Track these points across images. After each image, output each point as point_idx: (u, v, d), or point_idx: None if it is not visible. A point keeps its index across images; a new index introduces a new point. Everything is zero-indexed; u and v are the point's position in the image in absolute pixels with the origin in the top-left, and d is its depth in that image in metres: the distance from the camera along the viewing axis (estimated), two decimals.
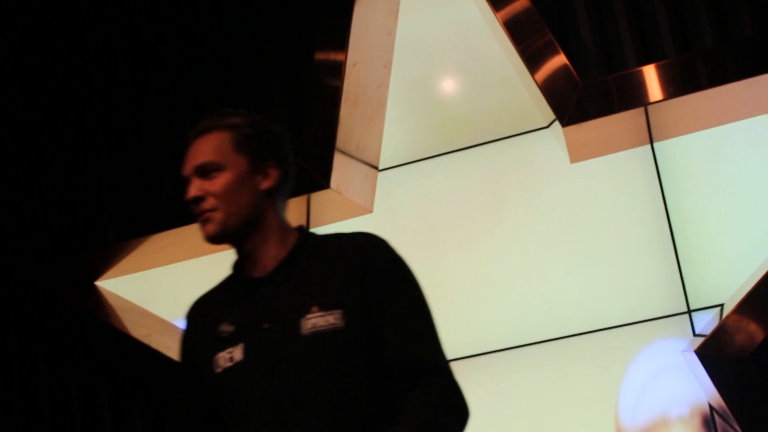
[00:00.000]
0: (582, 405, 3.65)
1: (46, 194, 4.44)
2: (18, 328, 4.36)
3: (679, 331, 3.57)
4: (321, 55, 3.82)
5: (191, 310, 2.14)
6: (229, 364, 1.97)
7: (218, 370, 1.98)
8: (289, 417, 1.91)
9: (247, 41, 4.26)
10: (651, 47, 3.68)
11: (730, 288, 3.50)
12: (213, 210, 1.99)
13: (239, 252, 2.07)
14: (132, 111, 4.40)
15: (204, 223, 2.01)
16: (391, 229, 3.85)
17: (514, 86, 3.83)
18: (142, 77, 4.42)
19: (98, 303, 4.21)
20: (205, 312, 2.10)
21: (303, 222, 3.82)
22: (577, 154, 3.70)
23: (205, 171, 2.02)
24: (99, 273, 4.24)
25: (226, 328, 2.00)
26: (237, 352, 1.97)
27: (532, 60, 3.53)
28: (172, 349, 4.01)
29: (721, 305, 3.53)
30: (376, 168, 4.01)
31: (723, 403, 3.23)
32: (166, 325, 4.19)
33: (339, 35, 3.78)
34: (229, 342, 1.98)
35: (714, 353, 3.25)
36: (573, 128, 3.48)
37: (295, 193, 2.42)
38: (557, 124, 3.53)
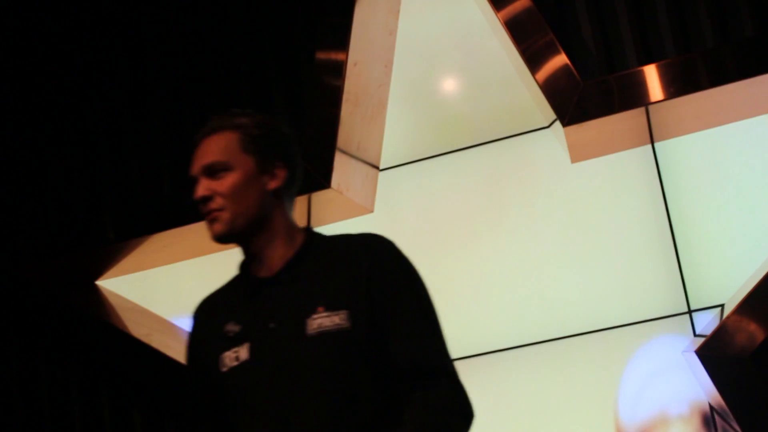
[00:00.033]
0: (582, 405, 3.65)
1: (46, 194, 4.44)
2: (18, 327, 4.37)
3: (679, 331, 3.57)
4: (322, 55, 3.82)
5: (198, 309, 2.14)
6: (235, 363, 1.98)
7: (224, 369, 1.99)
8: (294, 416, 1.91)
9: (247, 41, 4.26)
10: (652, 47, 3.68)
11: (731, 288, 3.50)
12: (220, 210, 2.00)
13: (246, 252, 2.07)
14: (132, 111, 4.41)
15: (211, 222, 2.02)
16: (391, 228, 3.84)
17: (515, 86, 3.83)
18: (143, 77, 4.42)
19: (99, 302, 4.21)
20: (211, 311, 2.10)
21: (303, 221, 3.82)
22: (577, 154, 3.70)
23: (213, 171, 2.03)
24: (99, 272, 4.24)
25: (233, 327, 2.01)
26: (243, 352, 1.97)
27: (532, 60, 3.53)
28: (172, 349, 4.01)
29: (722, 305, 3.53)
30: (376, 168, 4.01)
31: (723, 404, 3.23)
32: (166, 325, 4.19)
33: (340, 35, 3.78)
34: (235, 341, 1.99)
35: (714, 354, 3.24)
36: (574, 128, 3.48)
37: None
38: (558, 123, 3.53)
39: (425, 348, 1.96)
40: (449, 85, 4.02)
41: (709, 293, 3.56)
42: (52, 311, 4.24)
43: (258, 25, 4.26)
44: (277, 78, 4.18)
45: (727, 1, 3.63)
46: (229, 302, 2.07)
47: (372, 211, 3.96)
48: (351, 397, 1.92)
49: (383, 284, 1.97)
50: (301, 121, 3.89)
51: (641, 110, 3.45)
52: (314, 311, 1.95)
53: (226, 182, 2.01)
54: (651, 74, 3.43)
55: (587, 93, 3.47)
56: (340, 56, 3.77)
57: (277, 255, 2.03)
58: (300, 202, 3.72)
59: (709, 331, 3.31)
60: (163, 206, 4.10)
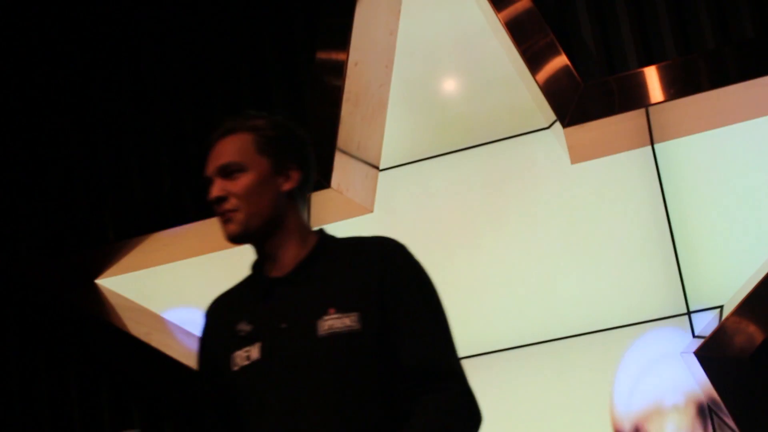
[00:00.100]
0: (581, 405, 3.65)
1: (46, 193, 4.44)
2: (18, 326, 4.37)
3: (678, 332, 3.57)
4: (322, 55, 3.82)
5: (210, 308, 2.16)
6: (246, 362, 1.99)
7: (235, 368, 2.00)
8: (303, 416, 1.92)
9: (248, 40, 4.26)
10: (652, 48, 3.68)
11: (730, 289, 3.50)
12: (235, 210, 2.02)
13: (259, 252, 2.09)
14: (132, 110, 4.41)
15: (226, 223, 2.03)
16: (391, 228, 3.85)
17: (515, 87, 3.83)
18: (143, 77, 4.42)
19: (98, 301, 4.21)
20: (223, 310, 2.12)
21: None
22: (577, 155, 3.70)
23: (228, 171, 2.04)
24: (99, 271, 4.24)
25: (244, 327, 2.02)
26: (254, 351, 1.98)
27: (533, 60, 3.53)
28: (172, 348, 4.02)
29: (721, 307, 3.53)
30: (376, 168, 4.02)
31: (722, 405, 3.23)
32: (166, 324, 4.20)
33: (340, 35, 3.79)
34: (246, 341, 2.00)
35: (713, 355, 3.24)
36: (574, 129, 3.48)
37: None
38: (558, 124, 3.53)
39: (435, 351, 1.97)
40: (450, 85, 4.03)
41: (708, 294, 3.56)
42: (51, 310, 4.24)
43: (258, 25, 4.26)
44: (277, 77, 4.19)
45: (727, 2, 3.63)
46: (241, 302, 2.09)
47: (372, 211, 3.97)
48: (360, 398, 1.93)
49: (394, 287, 1.98)
50: (302, 121, 3.89)
51: (641, 111, 3.45)
52: (325, 312, 1.96)
53: (241, 183, 2.02)
54: (651, 75, 3.44)
55: (587, 94, 3.48)
56: (341, 56, 3.77)
57: (290, 256, 2.05)
58: None
59: (708, 333, 3.31)
60: (163, 205, 4.11)
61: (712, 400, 3.38)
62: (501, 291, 3.80)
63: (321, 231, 2.12)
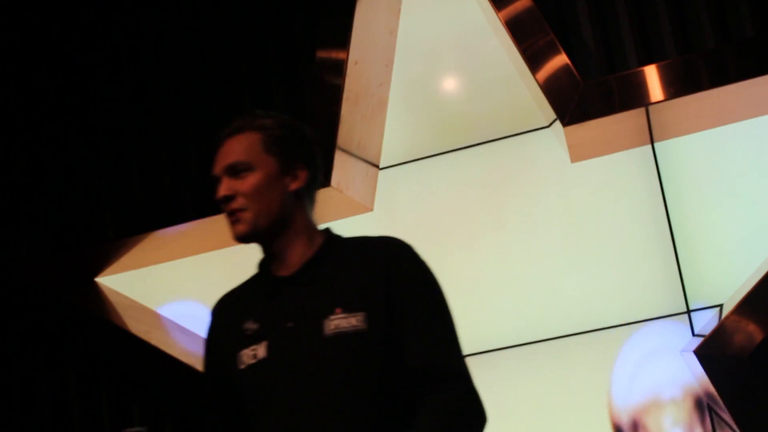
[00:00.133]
0: (580, 404, 3.65)
1: (46, 192, 4.44)
2: (18, 324, 4.37)
3: (678, 330, 3.57)
4: (322, 54, 3.83)
5: (216, 306, 2.16)
6: (253, 361, 1.99)
7: (242, 366, 2.01)
8: (309, 415, 1.92)
9: (248, 39, 4.27)
10: (652, 47, 3.68)
11: (730, 288, 3.51)
12: (243, 210, 2.03)
13: (266, 251, 2.10)
14: (132, 109, 4.41)
15: (234, 223, 2.04)
16: (391, 227, 3.85)
17: (516, 85, 3.84)
18: (143, 75, 4.42)
19: (98, 299, 4.21)
20: (230, 309, 2.12)
21: None
22: (577, 154, 3.71)
23: (236, 171, 2.05)
24: (99, 270, 4.24)
25: (251, 325, 2.02)
26: (261, 350, 1.99)
27: (533, 59, 3.54)
28: (171, 346, 4.02)
29: (721, 305, 3.53)
30: (376, 166, 4.02)
31: (721, 403, 3.23)
32: (165, 322, 4.20)
33: (341, 34, 3.79)
34: (253, 339, 2.01)
35: (713, 353, 3.25)
36: (574, 128, 3.49)
37: None
38: (558, 123, 3.53)
39: (440, 351, 1.98)
40: (449, 84, 4.03)
41: (707, 293, 3.57)
42: (51, 308, 4.24)
43: (259, 24, 4.26)
44: (277, 76, 4.19)
45: (727, 1, 3.64)
46: (248, 300, 2.09)
47: (371, 210, 3.97)
48: (366, 398, 1.93)
49: (401, 287, 1.98)
50: (302, 119, 3.89)
51: (641, 110, 3.46)
52: (332, 312, 1.96)
53: (248, 182, 2.03)
54: (651, 74, 3.44)
55: (587, 93, 3.48)
56: (341, 55, 3.77)
57: (297, 255, 2.05)
58: None
59: (707, 331, 3.32)
60: (163, 204, 4.11)
61: (712, 399, 3.38)
62: (501, 289, 3.80)
63: (327, 230, 2.12)
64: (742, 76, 3.33)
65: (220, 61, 4.29)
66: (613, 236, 3.70)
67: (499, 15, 3.59)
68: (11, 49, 4.62)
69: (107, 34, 4.51)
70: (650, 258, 3.64)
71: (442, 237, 3.90)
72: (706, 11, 3.66)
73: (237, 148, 2.06)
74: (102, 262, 4.19)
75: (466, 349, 3.78)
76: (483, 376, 3.68)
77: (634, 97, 3.43)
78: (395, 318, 1.97)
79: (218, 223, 3.92)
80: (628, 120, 3.51)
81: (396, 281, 1.98)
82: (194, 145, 4.27)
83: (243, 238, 2.05)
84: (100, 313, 4.13)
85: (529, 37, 3.56)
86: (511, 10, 3.59)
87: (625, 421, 3.61)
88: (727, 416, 3.27)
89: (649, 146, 3.68)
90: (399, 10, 4.00)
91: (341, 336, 1.94)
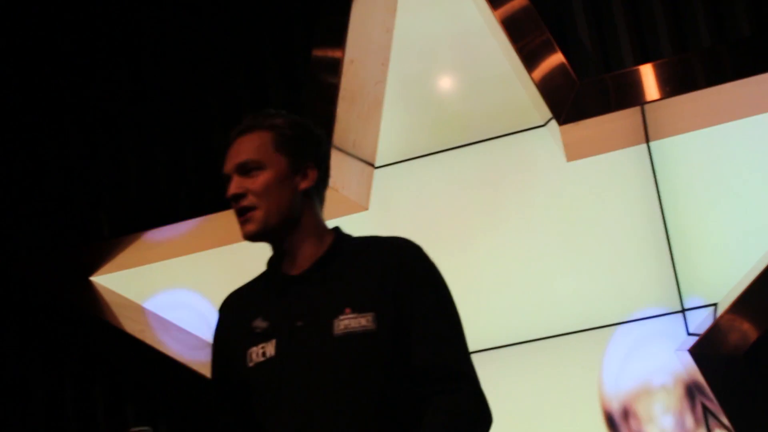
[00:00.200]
0: (574, 403, 3.66)
1: (41, 190, 4.44)
2: (13, 323, 4.36)
3: (673, 329, 3.58)
4: (319, 52, 3.83)
5: (224, 304, 2.17)
6: (262, 359, 2.00)
7: (251, 364, 2.01)
8: (317, 415, 1.93)
9: (245, 38, 4.27)
10: (648, 46, 3.69)
11: (725, 287, 3.51)
12: (253, 208, 2.03)
13: (275, 249, 2.10)
14: (129, 107, 4.41)
15: (244, 222, 2.05)
16: (386, 226, 3.85)
17: (512, 84, 3.84)
18: (139, 74, 4.42)
19: (93, 298, 4.21)
20: (238, 306, 2.13)
21: None
22: (573, 153, 3.71)
23: (246, 169, 2.05)
24: (94, 269, 4.24)
25: (260, 323, 2.03)
26: (270, 348, 1.99)
27: (529, 58, 3.54)
28: (166, 345, 4.02)
29: (715, 304, 3.54)
30: (372, 165, 4.02)
31: (716, 402, 3.24)
32: (160, 321, 4.19)
33: (337, 32, 3.79)
34: (262, 337, 2.01)
35: (707, 352, 3.25)
36: (569, 127, 3.49)
37: None
38: (554, 122, 3.54)
39: (447, 352, 1.98)
40: (446, 83, 4.03)
41: (702, 292, 3.57)
42: (46, 307, 4.24)
43: (256, 23, 4.26)
44: (274, 75, 4.19)
45: (723, 1, 3.64)
46: (257, 298, 2.10)
47: (367, 209, 3.97)
48: (374, 398, 1.93)
49: (409, 288, 1.99)
50: None
51: (637, 109, 3.46)
52: (341, 312, 1.97)
53: (259, 181, 2.04)
54: (647, 74, 3.45)
55: (583, 92, 3.48)
56: (337, 54, 3.77)
57: (307, 254, 2.06)
58: None
59: (702, 330, 3.32)
60: (158, 202, 4.11)
61: (706, 397, 3.39)
62: (496, 288, 3.80)
63: (337, 229, 2.12)
64: (738, 75, 3.33)
65: (217, 60, 4.29)
66: (608, 235, 3.70)
67: (495, 14, 3.59)
68: (7, 49, 4.61)
69: (103, 33, 4.50)
70: (645, 256, 3.64)
71: (438, 236, 3.90)
72: (702, 10, 3.67)
73: (248, 146, 2.07)
74: (97, 261, 4.19)
75: None
76: (480, 375, 3.71)
77: (630, 96, 3.44)
78: (403, 318, 1.97)
79: (214, 221, 3.93)
80: (624, 119, 3.52)
81: (405, 282, 1.99)
82: (190, 143, 4.27)
83: (253, 237, 2.05)
84: (95, 312, 4.13)
85: (525, 35, 3.56)
86: (507, 8, 3.59)
87: (618, 419, 3.61)
88: (721, 415, 3.28)
89: (645, 145, 3.69)
90: (395, 9, 4.00)
91: (351, 336, 1.95)
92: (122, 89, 4.42)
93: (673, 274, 3.60)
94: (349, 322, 1.96)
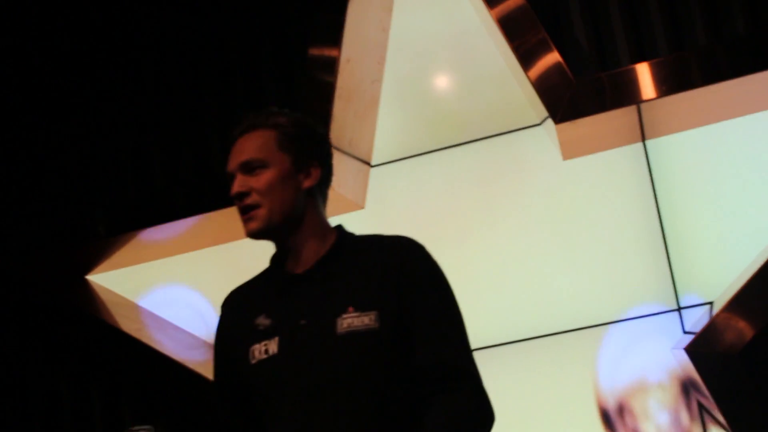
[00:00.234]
0: (571, 402, 3.66)
1: (37, 189, 4.43)
2: (8, 321, 4.35)
3: (669, 328, 3.58)
4: (315, 51, 3.82)
5: (227, 301, 2.17)
6: (264, 356, 2.00)
7: (253, 361, 2.01)
8: (319, 413, 1.93)
9: (241, 37, 4.26)
10: (644, 45, 3.69)
11: (721, 285, 3.51)
12: (256, 207, 2.03)
13: (279, 248, 2.11)
14: (125, 106, 4.40)
15: (247, 220, 2.05)
16: (382, 225, 3.85)
17: (508, 83, 3.84)
18: (135, 72, 4.42)
19: (89, 297, 4.20)
20: (241, 304, 2.13)
21: None
22: (569, 151, 3.71)
23: (250, 168, 2.05)
24: (90, 267, 4.23)
25: (263, 321, 2.03)
26: (272, 346, 2.00)
27: (525, 57, 3.54)
28: (162, 344, 4.02)
29: (711, 303, 3.54)
30: (368, 164, 4.02)
31: (712, 400, 3.24)
32: (156, 320, 4.19)
33: (333, 31, 3.79)
34: (265, 335, 2.01)
35: (703, 351, 3.26)
36: (565, 125, 3.49)
37: None
38: (550, 121, 3.54)
39: (450, 351, 1.99)
40: (442, 82, 4.03)
41: (698, 290, 3.58)
42: (42, 306, 4.23)
43: (252, 21, 4.26)
44: (270, 73, 4.19)
45: None
46: (260, 295, 2.10)
47: (363, 207, 3.97)
48: (377, 397, 1.94)
49: (412, 287, 1.99)
50: None
51: (633, 108, 3.47)
52: (344, 311, 1.97)
53: (263, 179, 2.04)
54: (643, 72, 3.45)
55: (579, 91, 3.49)
56: (333, 53, 3.77)
57: (310, 252, 2.06)
58: None
59: (698, 329, 3.32)
60: (154, 201, 4.10)
61: (702, 396, 3.39)
62: (491, 287, 3.80)
63: (339, 227, 2.13)
64: (734, 73, 3.34)
65: (213, 58, 4.29)
66: (604, 233, 3.71)
67: (492, 12, 3.59)
68: (2, 46, 4.60)
69: (98, 32, 4.50)
70: (641, 255, 3.65)
71: (434, 234, 3.88)
72: (698, 9, 3.67)
73: (251, 145, 2.07)
74: (93, 260, 4.18)
75: None
76: None
77: (626, 94, 3.44)
78: (406, 317, 1.98)
79: (210, 220, 3.92)
80: (620, 117, 3.52)
81: (408, 281, 1.99)
82: (186, 142, 4.26)
83: (256, 235, 2.06)
84: (91, 311, 4.12)
85: (521, 34, 3.56)
86: (503, 7, 3.59)
87: (615, 417, 3.61)
88: (717, 413, 3.28)
89: (641, 144, 3.69)
90: (391, 8, 3.99)
91: (354, 334, 1.95)
92: (118, 88, 4.42)
93: (669, 272, 3.60)
94: (352, 320, 1.96)
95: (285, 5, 4.21)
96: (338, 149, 3.75)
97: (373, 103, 4.00)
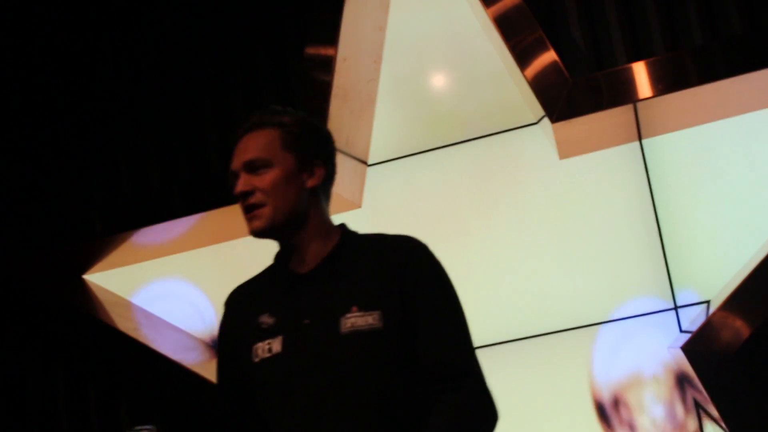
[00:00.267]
0: (567, 401, 3.66)
1: (34, 188, 4.43)
2: (5, 321, 4.35)
3: (665, 327, 3.58)
4: (311, 50, 3.83)
5: (230, 298, 2.18)
6: (268, 355, 2.01)
7: (256, 359, 2.02)
8: (323, 413, 1.94)
9: (238, 35, 4.26)
10: (640, 44, 3.69)
11: (717, 284, 3.52)
12: (261, 206, 2.04)
13: (282, 246, 2.11)
14: (121, 105, 4.40)
15: (251, 219, 2.05)
16: (379, 224, 3.85)
17: (504, 82, 3.84)
18: (131, 72, 4.41)
19: (86, 297, 4.20)
20: (244, 301, 2.14)
21: None
22: (565, 151, 3.72)
23: (254, 167, 2.06)
24: (87, 267, 4.23)
25: (267, 319, 2.04)
26: (276, 344, 2.01)
27: (522, 56, 3.54)
28: (159, 343, 4.01)
29: (708, 302, 3.55)
30: (365, 163, 4.02)
31: (708, 399, 3.25)
32: (153, 319, 4.19)
33: (329, 30, 3.79)
34: (268, 333, 2.02)
35: (700, 349, 3.26)
36: (562, 124, 3.50)
37: None
38: (546, 120, 3.54)
39: (453, 350, 1.99)
40: (438, 81, 4.03)
41: (695, 289, 3.58)
42: (39, 305, 4.23)
43: (248, 20, 4.25)
44: (267, 72, 4.19)
45: None
46: (263, 294, 2.11)
47: (360, 207, 3.97)
48: (380, 396, 1.95)
49: (416, 287, 2.00)
50: None
51: (629, 107, 3.47)
52: (348, 310, 1.98)
53: (267, 178, 2.04)
54: (639, 71, 3.45)
55: (576, 90, 3.49)
56: (330, 51, 3.77)
57: (313, 251, 2.07)
58: None
59: (695, 327, 3.33)
60: (151, 200, 4.10)
61: (699, 394, 3.40)
62: (487, 286, 3.80)
63: (343, 226, 2.14)
64: (730, 72, 3.34)
65: (209, 57, 4.29)
66: (600, 233, 3.71)
67: (488, 12, 3.59)
68: None
69: (95, 30, 4.49)
70: (638, 254, 3.65)
71: (430, 234, 3.82)
72: (694, 8, 3.67)
73: (256, 144, 2.07)
74: (90, 259, 4.18)
75: None
76: None
77: (622, 93, 3.44)
78: (409, 317, 1.98)
79: (206, 219, 3.92)
80: (616, 117, 3.52)
81: (411, 281, 2.00)
82: (182, 141, 4.26)
83: (260, 234, 2.06)
84: (88, 310, 4.12)
85: (518, 33, 3.56)
86: (499, 6, 3.59)
87: (611, 415, 3.61)
88: (714, 412, 3.29)
89: (637, 143, 3.69)
90: (388, 7, 4.00)
91: (357, 334, 1.96)
92: (114, 87, 4.42)
93: (665, 271, 3.60)
94: (355, 320, 1.97)
95: (281, 4, 4.21)
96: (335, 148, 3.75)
97: (370, 102, 3.99)
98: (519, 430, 3.64)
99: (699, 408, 3.50)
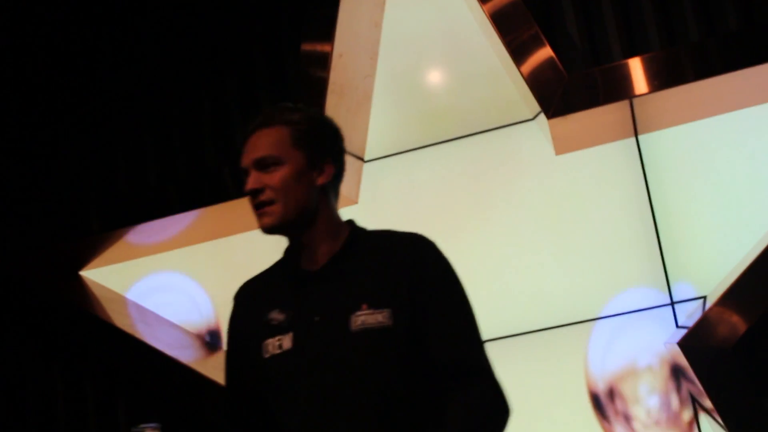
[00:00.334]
0: (564, 397, 3.66)
1: (30, 184, 4.43)
2: (1, 318, 4.35)
3: (662, 323, 3.59)
4: (307, 46, 3.82)
5: (239, 293, 2.18)
6: (278, 351, 2.02)
7: (266, 355, 2.03)
8: (334, 410, 1.95)
9: (233, 32, 4.26)
10: (636, 40, 3.70)
11: (713, 280, 3.52)
12: (271, 203, 2.05)
13: (292, 243, 2.12)
14: (117, 102, 4.39)
15: (261, 215, 2.06)
16: (375, 220, 3.81)
17: (500, 78, 3.84)
18: (127, 69, 4.41)
19: (82, 293, 4.20)
20: (254, 297, 2.15)
21: None
22: (562, 147, 3.72)
23: (264, 164, 2.06)
24: (83, 263, 4.23)
25: (277, 316, 2.05)
26: (286, 341, 2.01)
27: (518, 52, 3.54)
28: (156, 339, 4.01)
29: (704, 297, 3.55)
30: (361, 159, 4.02)
31: (705, 395, 3.25)
32: (150, 315, 4.19)
33: (326, 26, 3.79)
34: (279, 330, 2.03)
35: (696, 345, 3.26)
36: (558, 120, 3.50)
37: None
38: (542, 116, 3.54)
39: (464, 347, 2.01)
40: (434, 77, 4.03)
41: (691, 285, 3.58)
42: (35, 301, 4.23)
43: (244, 17, 4.25)
44: (263, 69, 4.18)
45: None
46: (273, 290, 2.12)
47: (356, 203, 3.97)
48: (390, 394, 1.95)
49: (425, 284, 2.01)
50: None
51: (625, 103, 3.47)
52: (358, 308, 1.99)
53: (277, 176, 2.05)
54: (635, 67, 3.45)
55: (572, 86, 3.49)
56: (326, 48, 3.77)
57: (323, 249, 2.08)
58: None
59: (691, 323, 3.33)
60: (147, 197, 4.10)
61: (696, 390, 3.40)
62: (484, 282, 3.80)
63: (351, 222, 2.14)
64: (726, 68, 3.34)
65: (205, 54, 4.28)
66: (597, 228, 3.71)
67: (484, 8, 3.59)
68: None
69: (92, 29, 4.49)
70: (634, 250, 3.65)
71: (427, 230, 3.84)
72: (690, 4, 3.67)
73: (266, 142, 2.08)
74: (86, 256, 4.18)
75: None
76: None
77: (619, 89, 3.45)
78: (419, 314, 1.99)
79: (203, 216, 3.92)
80: (613, 112, 3.52)
81: (421, 279, 2.01)
82: (179, 138, 4.26)
83: (270, 231, 2.07)
84: (85, 306, 4.12)
85: (514, 29, 3.56)
86: (495, 2, 3.59)
87: (608, 411, 3.62)
88: (710, 407, 3.29)
89: (633, 139, 3.69)
90: (384, 3, 3.99)
91: (367, 332, 1.97)
92: (110, 83, 4.41)
93: (662, 266, 3.60)
94: (365, 318, 1.98)
95: (278, 1, 4.20)
96: None
97: (366, 98, 3.99)
98: (516, 426, 3.63)
99: (694, 401, 3.51)
